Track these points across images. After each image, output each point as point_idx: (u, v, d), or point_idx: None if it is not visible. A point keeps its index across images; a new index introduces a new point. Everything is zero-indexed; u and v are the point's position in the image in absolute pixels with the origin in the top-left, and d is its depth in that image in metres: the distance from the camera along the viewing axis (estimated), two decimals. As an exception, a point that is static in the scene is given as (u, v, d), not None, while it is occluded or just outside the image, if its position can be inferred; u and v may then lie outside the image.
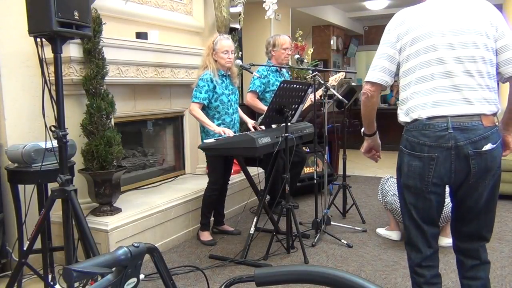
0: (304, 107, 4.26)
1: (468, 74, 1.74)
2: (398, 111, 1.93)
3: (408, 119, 1.84)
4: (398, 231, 3.50)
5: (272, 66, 3.97)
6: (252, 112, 4.16)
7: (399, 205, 3.25)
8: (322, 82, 3.46)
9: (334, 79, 4.13)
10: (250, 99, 3.97)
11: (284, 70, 4.15)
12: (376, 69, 1.92)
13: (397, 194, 3.29)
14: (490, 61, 1.78)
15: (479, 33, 1.76)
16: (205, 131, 3.43)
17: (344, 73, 4.32)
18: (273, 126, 3.37)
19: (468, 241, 1.96)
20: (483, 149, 1.73)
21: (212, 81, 3.34)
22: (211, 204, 3.52)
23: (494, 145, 1.76)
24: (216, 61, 3.38)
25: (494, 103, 1.77)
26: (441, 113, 1.75)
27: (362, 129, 2.13)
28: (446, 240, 3.33)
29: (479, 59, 1.75)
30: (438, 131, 1.74)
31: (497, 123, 1.81)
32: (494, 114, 1.77)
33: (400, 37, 1.86)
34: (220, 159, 3.41)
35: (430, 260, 1.94)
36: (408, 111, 1.84)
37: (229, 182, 3.82)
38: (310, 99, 3.73)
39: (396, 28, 1.88)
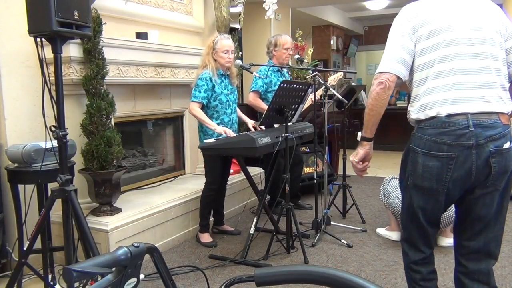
0: (304, 108, 4.27)
1: (486, 71, 1.69)
2: (409, 108, 1.81)
3: (422, 116, 1.72)
4: (399, 231, 3.49)
5: (272, 66, 3.97)
6: (253, 112, 4.16)
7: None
8: (322, 82, 3.46)
9: (333, 79, 4.13)
10: (252, 99, 3.97)
11: (285, 70, 4.15)
12: (395, 60, 1.75)
13: (399, 196, 3.28)
14: (503, 60, 1.74)
15: (495, 30, 1.72)
16: (203, 131, 3.41)
17: (342, 73, 4.31)
18: (276, 126, 3.35)
19: (476, 260, 1.82)
20: (504, 147, 1.66)
21: (211, 80, 3.32)
22: (209, 204, 3.51)
23: (511, 144, 1.69)
24: (215, 60, 3.37)
25: (509, 102, 1.72)
26: (461, 110, 1.66)
27: (359, 134, 1.94)
28: (446, 240, 3.33)
29: (496, 56, 1.71)
30: (459, 129, 1.65)
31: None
32: (508, 114, 1.72)
33: (415, 29, 1.75)
34: (218, 159, 3.39)
35: (427, 258, 1.91)
36: (423, 108, 1.72)
37: (229, 182, 3.82)
38: (310, 99, 3.73)
39: (410, 20, 1.77)
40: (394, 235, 3.51)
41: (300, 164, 4.33)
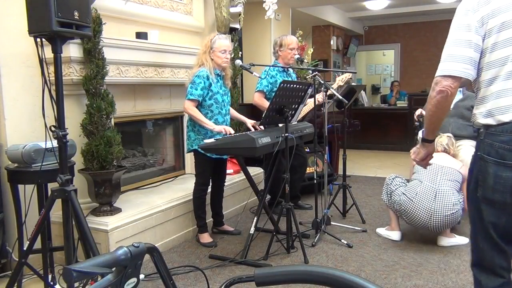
0: (306, 110, 4.27)
1: None
2: (475, 111, 1.61)
3: (492, 121, 1.53)
4: (398, 231, 3.49)
5: (272, 66, 3.97)
6: (253, 112, 4.16)
7: (408, 205, 3.20)
8: (322, 82, 3.46)
9: (341, 79, 4.12)
10: (257, 98, 3.97)
11: (291, 70, 4.16)
12: (457, 59, 1.53)
13: (405, 193, 3.25)
14: None
15: None
16: (195, 131, 3.37)
17: (350, 74, 4.30)
18: (281, 125, 3.33)
19: None
20: None
21: (208, 79, 3.29)
22: (202, 204, 3.50)
23: None
24: (212, 59, 3.35)
25: None
26: None
27: (420, 134, 1.86)
28: (446, 240, 3.33)
29: None
30: None
31: None
32: None
33: (485, 20, 1.51)
34: (210, 161, 3.38)
35: (507, 285, 1.63)
36: (492, 112, 1.52)
37: (229, 182, 3.81)
38: (311, 103, 3.73)
39: (479, 9, 1.52)
40: (394, 235, 3.51)
41: (304, 166, 4.33)
